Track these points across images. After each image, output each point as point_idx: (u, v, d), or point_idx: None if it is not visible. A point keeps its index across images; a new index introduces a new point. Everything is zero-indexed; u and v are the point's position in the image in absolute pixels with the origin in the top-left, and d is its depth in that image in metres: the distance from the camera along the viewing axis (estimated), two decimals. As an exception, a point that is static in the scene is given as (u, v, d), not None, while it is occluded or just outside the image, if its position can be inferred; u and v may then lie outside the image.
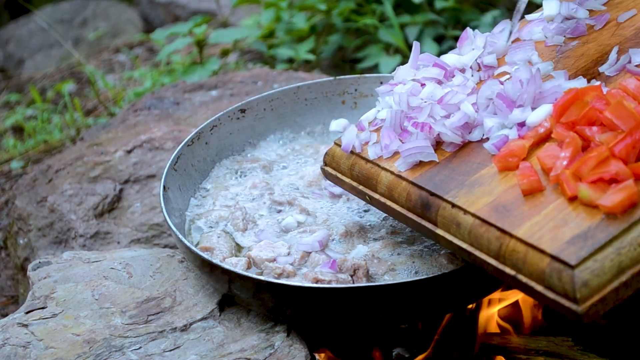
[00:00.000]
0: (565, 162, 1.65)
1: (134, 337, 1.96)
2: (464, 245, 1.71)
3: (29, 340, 1.95)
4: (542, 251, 1.57)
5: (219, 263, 1.93)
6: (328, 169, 2.08)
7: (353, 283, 1.93)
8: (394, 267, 1.97)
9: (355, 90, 2.50)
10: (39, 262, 2.19)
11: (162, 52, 3.90)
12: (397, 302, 1.86)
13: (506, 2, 4.03)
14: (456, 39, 3.74)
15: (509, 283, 1.64)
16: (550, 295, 1.55)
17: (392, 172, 1.90)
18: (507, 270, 1.62)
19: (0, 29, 5.73)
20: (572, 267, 1.51)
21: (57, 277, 2.13)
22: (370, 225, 2.12)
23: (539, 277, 1.57)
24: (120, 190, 2.67)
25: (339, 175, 2.05)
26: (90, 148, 2.88)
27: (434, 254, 1.99)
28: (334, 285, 1.88)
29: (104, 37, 5.44)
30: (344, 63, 3.88)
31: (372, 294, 1.83)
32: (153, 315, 2.01)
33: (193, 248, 1.96)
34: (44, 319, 2.02)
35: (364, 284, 1.92)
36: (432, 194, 1.80)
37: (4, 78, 5.20)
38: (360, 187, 1.98)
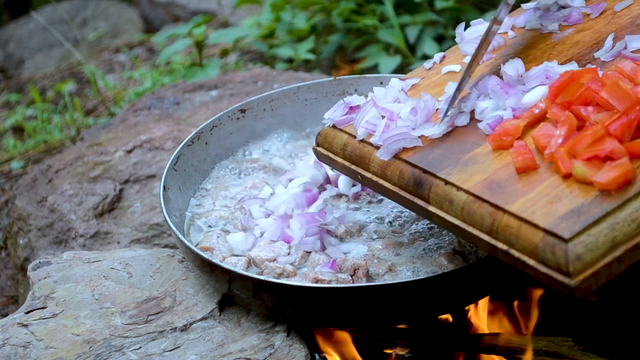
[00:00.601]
0: (560, 140, 1.67)
1: (134, 337, 1.96)
2: (457, 222, 1.72)
3: (29, 340, 1.95)
4: (535, 225, 1.58)
5: (219, 263, 1.93)
6: (320, 149, 2.08)
7: (353, 283, 1.93)
8: (394, 267, 1.97)
9: (355, 90, 2.49)
10: (39, 262, 2.19)
11: (162, 54, 3.91)
12: (397, 302, 1.86)
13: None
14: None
15: (501, 258, 1.65)
16: (543, 269, 1.56)
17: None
18: (500, 245, 1.63)
19: (0, 29, 5.73)
20: (566, 241, 1.53)
21: (57, 277, 2.13)
22: (370, 225, 2.12)
23: (532, 251, 1.58)
24: (120, 190, 2.67)
25: (331, 155, 2.04)
26: (90, 148, 2.88)
27: (434, 254, 1.99)
28: (334, 285, 1.88)
29: (104, 37, 5.44)
30: (344, 63, 3.88)
31: (372, 294, 1.83)
32: (153, 315, 2.01)
33: (193, 248, 1.96)
34: (44, 319, 2.02)
35: (363, 283, 1.92)
36: (425, 172, 1.80)
37: (4, 78, 5.20)
38: (353, 167, 1.98)
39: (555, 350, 2.05)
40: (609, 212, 1.54)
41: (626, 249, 1.53)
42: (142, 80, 4.19)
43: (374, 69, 3.63)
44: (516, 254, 1.60)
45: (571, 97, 1.73)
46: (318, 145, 2.09)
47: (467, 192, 1.71)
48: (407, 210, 2.14)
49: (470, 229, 1.70)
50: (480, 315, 2.20)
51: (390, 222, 2.11)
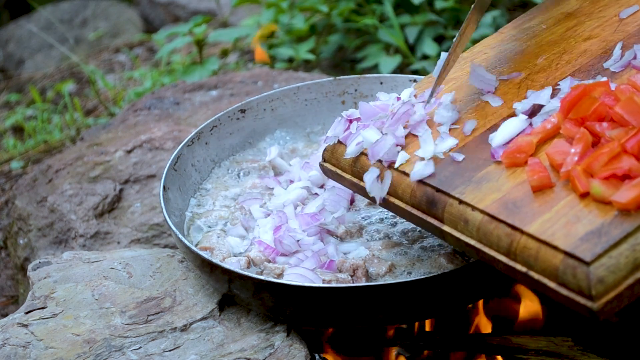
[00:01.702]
0: (576, 158, 1.64)
1: (134, 337, 1.96)
2: (473, 242, 1.69)
3: (29, 340, 1.95)
4: (555, 247, 1.55)
5: (219, 263, 1.93)
6: (327, 165, 2.03)
7: (352, 283, 1.93)
8: (394, 267, 1.97)
9: (355, 90, 2.49)
10: (39, 262, 2.19)
11: (161, 50, 3.91)
12: (397, 302, 1.86)
13: (506, 2, 4.03)
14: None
15: (520, 280, 1.63)
16: (564, 292, 1.53)
17: (395, 169, 1.86)
18: (519, 267, 1.61)
19: (0, 29, 5.73)
20: (587, 264, 1.50)
21: (57, 277, 2.13)
22: (370, 225, 2.12)
23: (552, 273, 1.55)
24: (120, 190, 2.67)
25: (339, 171, 1.99)
26: (90, 148, 2.88)
27: (434, 254, 1.99)
28: (333, 285, 1.88)
29: (104, 37, 5.44)
30: (344, 63, 3.88)
31: (371, 293, 1.83)
32: (153, 315, 2.01)
33: (193, 248, 1.96)
34: (44, 319, 2.02)
35: (363, 283, 1.92)
36: (438, 190, 1.77)
37: (4, 78, 5.20)
38: (362, 184, 1.92)
39: (555, 350, 2.05)
40: (629, 232, 1.52)
41: None
42: (142, 80, 4.19)
43: (374, 68, 3.63)
44: (536, 276, 1.58)
45: (585, 113, 1.71)
46: (325, 161, 2.04)
47: (482, 212, 1.68)
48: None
49: (487, 249, 1.67)
50: (480, 315, 2.20)
51: (390, 222, 2.11)
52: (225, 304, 2.04)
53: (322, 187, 2.20)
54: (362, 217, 2.13)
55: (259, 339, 1.95)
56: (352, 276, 1.95)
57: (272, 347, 1.93)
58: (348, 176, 1.97)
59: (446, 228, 1.75)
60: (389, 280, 1.94)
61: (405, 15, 3.79)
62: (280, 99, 2.48)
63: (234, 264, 1.99)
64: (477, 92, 1.97)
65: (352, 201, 2.16)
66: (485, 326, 2.20)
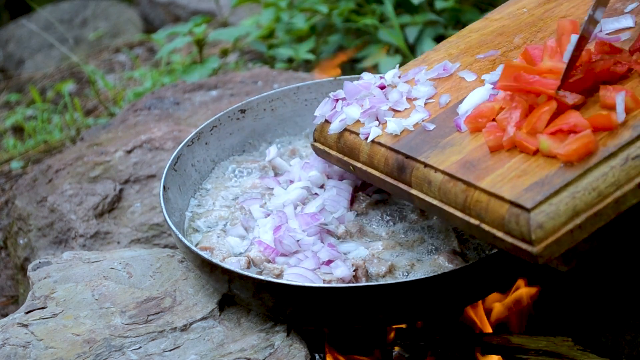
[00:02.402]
0: (512, 126, 1.75)
1: (134, 337, 1.96)
2: (435, 202, 1.79)
3: (29, 340, 1.95)
4: (502, 198, 1.65)
5: (219, 263, 1.93)
6: (317, 144, 2.16)
7: (352, 283, 1.93)
8: (394, 267, 1.97)
9: (355, 90, 2.49)
10: (39, 262, 2.19)
11: (161, 50, 3.91)
12: (397, 302, 1.86)
13: (505, 2, 4.02)
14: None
15: (475, 234, 1.72)
16: (509, 239, 1.63)
17: (372, 141, 1.98)
18: (472, 220, 1.70)
19: (0, 29, 5.73)
20: (528, 211, 1.60)
21: (57, 277, 2.13)
22: (370, 225, 2.12)
23: (499, 223, 1.65)
24: (120, 190, 2.67)
25: (327, 149, 2.12)
26: (90, 148, 2.88)
27: (434, 254, 2.00)
28: (333, 285, 1.88)
29: (104, 37, 5.44)
30: (344, 63, 3.88)
31: (371, 293, 1.83)
32: (153, 315, 2.01)
33: (193, 248, 1.96)
34: (44, 319, 2.02)
35: (363, 283, 1.92)
36: (407, 157, 1.88)
37: (4, 78, 5.20)
38: (345, 158, 2.05)
39: (555, 350, 2.05)
40: (570, 181, 1.62)
41: (587, 216, 1.60)
42: (142, 80, 4.19)
43: (374, 69, 3.63)
44: (486, 227, 1.67)
45: (509, 81, 1.83)
46: (315, 140, 2.17)
47: (443, 172, 1.78)
48: (407, 211, 2.14)
49: (446, 207, 1.77)
50: (480, 315, 2.20)
51: (390, 222, 2.11)
52: (225, 304, 2.04)
53: (322, 187, 2.20)
54: (363, 217, 2.13)
55: (259, 339, 1.95)
56: (353, 276, 1.95)
57: (272, 347, 1.93)
58: (334, 152, 2.09)
59: (413, 191, 1.86)
60: (389, 280, 1.94)
61: (405, 15, 3.79)
62: (280, 99, 2.48)
63: (234, 264, 1.99)
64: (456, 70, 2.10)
65: (352, 201, 2.16)
66: (485, 326, 2.20)
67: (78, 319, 2.01)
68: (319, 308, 1.90)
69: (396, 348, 2.11)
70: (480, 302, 2.19)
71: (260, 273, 1.98)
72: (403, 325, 2.14)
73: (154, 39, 4.10)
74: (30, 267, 2.19)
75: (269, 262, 2.01)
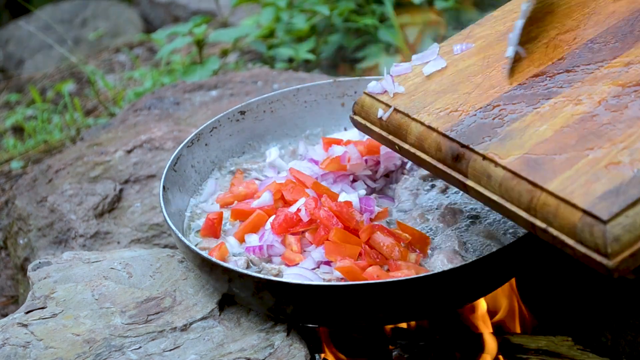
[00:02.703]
0: None
1: (134, 337, 1.96)
2: (495, 197, 1.73)
3: (29, 340, 1.96)
4: (574, 205, 1.58)
5: (219, 262, 1.93)
6: (357, 117, 2.09)
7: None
8: (394, 267, 1.98)
9: (355, 92, 2.50)
10: (39, 262, 2.20)
11: (161, 50, 3.91)
12: (397, 301, 1.86)
13: (506, 2, 4.03)
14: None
15: (540, 236, 1.66)
16: (582, 249, 1.56)
17: (422, 123, 1.91)
18: (538, 223, 1.64)
19: (0, 29, 5.73)
20: (604, 222, 1.53)
21: (57, 277, 2.14)
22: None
23: (570, 231, 1.58)
24: (120, 190, 2.67)
25: (368, 124, 2.05)
26: (90, 148, 2.88)
27: (434, 253, 2.00)
28: (333, 283, 1.89)
29: (104, 37, 5.44)
30: (344, 63, 3.89)
31: (371, 291, 1.83)
32: (153, 315, 2.01)
33: (193, 247, 1.96)
34: (44, 319, 2.02)
35: (363, 282, 1.92)
36: (463, 146, 1.81)
37: (4, 78, 5.21)
38: (390, 137, 1.99)
39: (555, 350, 2.05)
40: None
41: None
42: (142, 80, 4.19)
43: (374, 69, 3.63)
44: (554, 232, 1.61)
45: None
46: (355, 113, 2.10)
47: (505, 168, 1.72)
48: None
49: (508, 205, 1.71)
50: (480, 315, 2.20)
51: (391, 222, 2.11)
52: (225, 303, 2.05)
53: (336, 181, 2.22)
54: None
55: (259, 339, 1.95)
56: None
57: (272, 346, 1.93)
58: (377, 129, 2.03)
59: (469, 182, 1.79)
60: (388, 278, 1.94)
61: (405, 15, 3.80)
62: (279, 101, 2.48)
63: (233, 264, 1.99)
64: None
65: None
66: (485, 326, 2.20)
67: (78, 319, 2.01)
68: (319, 306, 1.90)
69: (396, 348, 2.11)
70: (479, 301, 2.20)
71: (259, 273, 1.99)
72: (403, 325, 2.15)
73: (154, 39, 4.11)
74: (30, 267, 2.19)
75: (268, 261, 2.02)
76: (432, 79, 2.03)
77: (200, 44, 3.87)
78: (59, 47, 4.96)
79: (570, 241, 1.59)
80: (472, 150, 1.79)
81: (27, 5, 5.55)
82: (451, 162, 1.84)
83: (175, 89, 3.19)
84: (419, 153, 1.92)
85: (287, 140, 2.48)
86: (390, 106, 2.00)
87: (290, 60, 3.87)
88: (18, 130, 4.11)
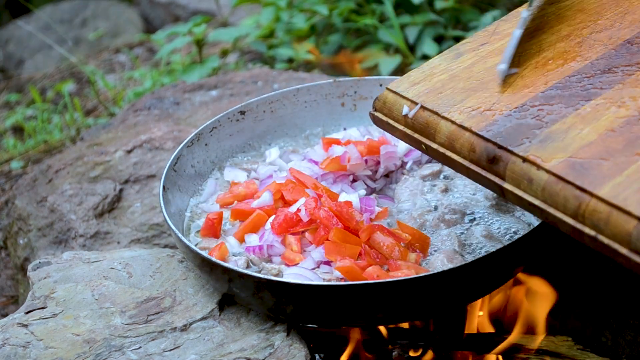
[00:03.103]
0: None
1: (134, 337, 1.96)
2: (537, 202, 1.66)
3: (29, 340, 1.96)
4: (628, 213, 1.52)
5: (219, 262, 1.93)
6: (378, 114, 1.99)
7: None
8: (394, 267, 1.98)
9: (355, 92, 2.50)
10: (39, 262, 2.20)
11: (161, 50, 3.91)
12: (397, 301, 1.86)
13: (506, 2, 4.03)
14: (456, 39, 3.75)
15: (587, 243, 1.60)
16: (636, 258, 1.51)
17: (453, 122, 1.83)
18: (587, 230, 1.58)
19: (0, 29, 5.73)
20: None
21: (57, 277, 2.14)
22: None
23: (623, 239, 1.52)
24: (120, 190, 2.67)
25: (391, 121, 1.96)
26: (90, 148, 2.88)
27: (434, 253, 2.00)
28: (333, 283, 1.89)
29: (104, 37, 5.44)
30: (344, 63, 3.89)
31: (371, 291, 1.83)
32: (153, 315, 2.01)
33: (193, 247, 1.96)
34: (44, 319, 2.02)
35: (363, 282, 1.92)
36: (500, 147, 1.73)
37: (4, 78, 5.21)
38: (416, 135, 1.90)
39: (555, 350, 2.05)
40: None
41: None
42: (142, 80, 4.19)
43: (374, 69, 3.63)
44: (605, 240, 1.55)
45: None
46: (376, 110, 2.00)
47: (548, 171, 1.64)
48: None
49: (552, 210, 1.63)
50: (480, 315, 2.20)
51: (391, 222, 2.11)
52: (225, 303, 2.05)
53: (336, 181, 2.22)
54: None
55: (259, 339, 1.95)
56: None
57: (272, 346, 1.93)
58: (401, 127, 1.95)
59: (507, 186, 1.72)
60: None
61: (405, 15, 3.80)
62: (279, 101, 2.48)
63: (233, 264, 1.99)
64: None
65: None
66: (486, 326, 2.20)
67: (78, 319, 2.01)
68: (319, 306, 1.90)
69: (396, 348, 2.11)
70: (480, 301, 2.20)
71: (259, 273, 1.99)
72: (404, 325, 2.15)
73: (154, 39, 4.11)
74: (30, 267, 2.19)
75: (268, 261, 2.02)
76: (459, 76, 1.95)
77: (200, 43, 3.87)
78: (58, 47, 4.96)
79: (623, 250, 1.52)
80: (511, 152, 1.71)
81: (27, 4, 5.55)
82: (486, 164, 1.75)
83: (175, 89, 3.19)
84: (449, 153, 1.83)
85: (287, 140, 2.48)
86: (416, 103, 1.91)
87: (290, 60, 3.87)
88: (18, 130, 4.11)
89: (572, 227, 1.60)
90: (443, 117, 1.86)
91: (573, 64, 1.88)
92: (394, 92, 1.97)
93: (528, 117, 1.76)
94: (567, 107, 1.76)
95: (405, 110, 1.93)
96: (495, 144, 1.75)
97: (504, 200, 1.78)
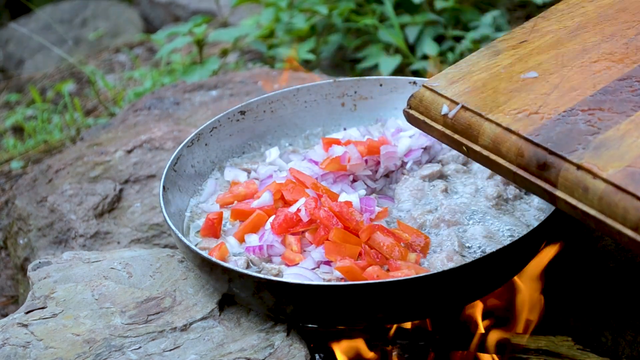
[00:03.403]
0: None
1: (134, 337, 1.96)
2: (593, 212, 1.59)
3: (29, 340, 1.96)
4: None
5: (219, 262, 1.93)
6: (414, 112, 1.92)
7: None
8: (394, 267, 1.97)
9: (355, 92, 2.50)
10: (39, 262, 2.20)
11: (161, 50, 3.91)
12: (397, 300, 1.86)
13: (506, 3, 4.03)
14: (456, 39, 3.75)
15: None
16: None
17: (498, 125, 1.77)
18: None
19: (0, 29, 5.73)
20: None
21: (57, 277, 2.14)
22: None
23: None
24: (120, 190, 2.67)
25: (428, 120, 1.88)
26: (90, 148, 2.88)
27: (434, 253, 2.00)
28: (333, 283, 1.89)
29: (104, 37, 5.44)
30: (344, 63, 3.89)
31: (371, 291, 1.83)
32: (153, 315, 2.01)
33: (193, 247, 1.96)
34: (44, 319, 2.02)
35: (362, 282, 1.92)
36: (552, 153, 1.66)
37: (4, 78, 5.21)
38: (456, 136, 1.83)
39: (555, 350, 2.05)
40: None
41: None
42: (142, 80, 4.19)
43: (374, 68, 3.63)
44: None
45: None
46: (411, 107, 1.93)
47: (606, 181, 1.57)
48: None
49: (609, 221, 1.57)
50: (479, 315, 2.20)
51: (391, 222, 2.12)
52: (225, 303, 2.05)
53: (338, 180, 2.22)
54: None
55: (259, 339, 1.95)
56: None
57: (272, 346, 1.93)
58: (439, 127, 1.88)
59: (560, 194, 1.65)
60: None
61: (405, 15, 3.80)
62: (279, 101, 2.48)
63: (233, 264, 1.99)
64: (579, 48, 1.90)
65: None
66: (485, 326, 2.20)
67: (78, 319, 2.01)
68: (319, 306, 1.90)
69: (396, 348, 2.11)
70: (479, 301, 2.20)
71: (259, 273, 1.99)
72: (406, 325, 2.14)
73: (154, 39, 4.11)
74: (30, 267, 2.19)
75: (268, 261, 2.02)
76: (500, 75, 1.88)
77: (200, 43, 3.87)
78: (58, 47, 4.96)
79: None
80: (564, 158, 1.64)
81: (28, 3, 5.55)
82: (535, 170, 1.68)
83: (175, 89, 3.19)
84: (493, 157, 1.76)
85: (287, 140, 2.48)
86: (457, 103, 1.84)
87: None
88: (18, 130, 4.11)
89: (632, 239, 1.54)
90: (487, 119, 1.79)
91: (621, 67, 1.81)
92: (432, 89, 1.90)
93: (579, 123, 1.69)
94: (620, 113, 1.69)
95: (444, 109, 1.86)
96: (545, 149, 1.68)
97: (555, 205, 1.68)
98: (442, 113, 1.86)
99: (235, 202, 2.20)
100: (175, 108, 3.06)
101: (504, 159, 1.75)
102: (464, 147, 1.83)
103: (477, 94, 1.85)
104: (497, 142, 1.76)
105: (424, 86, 1.93)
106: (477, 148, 1.80)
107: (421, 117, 1.91)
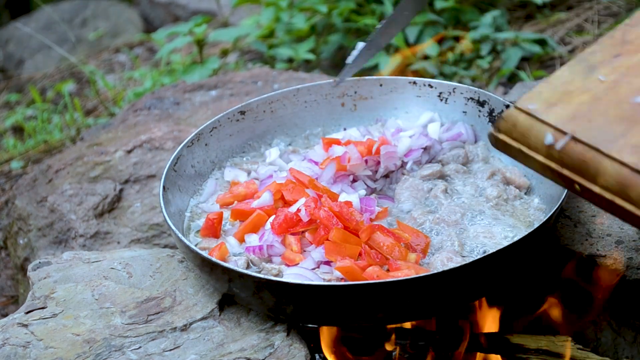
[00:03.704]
0: None
1: (134, 336, 1.96)
2: None
3: (29, 340, 1.96)
4: None
5: (219, 262, 1.93)
6: (505, 138, 1.64)
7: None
8: (394, 267, 1.97)
9: (355, 92, 2.50)
10: (39, 262, 2.20)
11: (161, 50, 3.91)
12: (396, 300, 1.86)
13: (506, 3, 4.03)
14: (456, 39, 3.75)
15: None
16: None
17: (624, 164, 1.49)
18: None
19: (0, 29, 5.73)
20: None
21: (57, 277, 2.14)
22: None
23: None
24: (120, 190, 2.67)
25: (525, 149, 1.61)
26: (90, 148, 2.88)
27: (434, 253, 2.00)
28: (333, 283, 1.89)
29: (104, 37, 5.44)
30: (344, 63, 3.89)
31: (371, 291, 1.83)
32: (153, 315, 2.01)
33: (193, 247, 1.96)
34: (44, 319, 2.02)
35: (362, 281, 1.92)
36: None
37: (4, 78, 5.21)
38: (565, 172, 1.55)
39: (555, 350, 2.05)
40: None
41: None
42: (142, 80, 4.19)
43: (374, 69, 3.63)
44: None
45: None
46: (500, 131, 1.65)
47: None
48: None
49: None
50: (479, 315, 2.20)
51: (391, 222, 2.12)
52: (225, 303, 2.05)
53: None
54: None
55: (259, 339, 1.95)
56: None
57: (272, 346, 1.93)
58: (541, 159, 1.60)
59: None
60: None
61: (405, 15, 3.79)
62: (279, 101, 2.48)
63: (233, 264, 1.99)
64: None
65: None
66: (485, 326, 2.20)
67: (78, 319, 2.01)
68: (319, 306, 1.90)
69: (396, 348, 2.11)
70: (479, 301, 2.20)
71: (259, 273, 1.99)
72: (406, 325, 2.14)
73: (154, 39, 4.11)
74: (30, 267, 2.19)
75: (268, 261, 2.02)
76: (604, 99, 1.60)
77: (200, 43, 3.87)
78: (58, 47, 4.96)
79: None
80: None
81: (28, 2, 5.55)
82: None
83: (175, 89, 3.19)
84: (619, 201, 1.48)
85: (287, 140, 2.48)
86: (564, 132, 1.55)
87: (290, 60, 3.87)
88: (18, 130, 4.12)
89: None
90: (607, 156, 1.51)
91: None
92: (528, 113, 1.62)
93: None
94: None
95: (549, 139, 1.58)
96: None
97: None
98: (547, 143, 1.58)
99: (235, 202, 2.20)
100: (175, 108, 3.06)
101: (634, 206, 1.48)
102: (576, 186, 1.56)
103: (584, 121, 1.57)
104: (624, 185, 1.48)
105: (516, 108, 1.64)
106: (595, 189, 1.53)
107: (515, 145, 1.63)
